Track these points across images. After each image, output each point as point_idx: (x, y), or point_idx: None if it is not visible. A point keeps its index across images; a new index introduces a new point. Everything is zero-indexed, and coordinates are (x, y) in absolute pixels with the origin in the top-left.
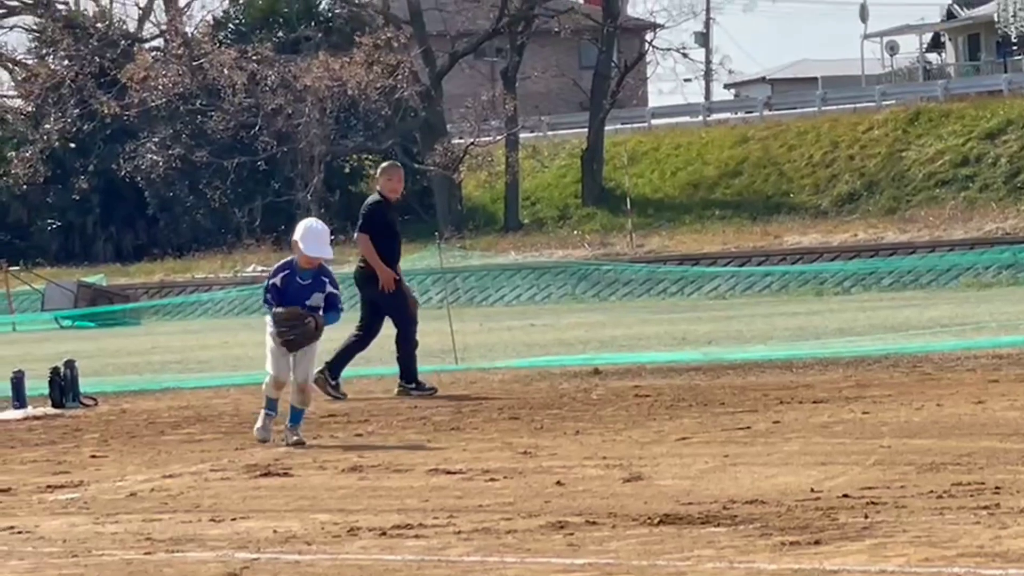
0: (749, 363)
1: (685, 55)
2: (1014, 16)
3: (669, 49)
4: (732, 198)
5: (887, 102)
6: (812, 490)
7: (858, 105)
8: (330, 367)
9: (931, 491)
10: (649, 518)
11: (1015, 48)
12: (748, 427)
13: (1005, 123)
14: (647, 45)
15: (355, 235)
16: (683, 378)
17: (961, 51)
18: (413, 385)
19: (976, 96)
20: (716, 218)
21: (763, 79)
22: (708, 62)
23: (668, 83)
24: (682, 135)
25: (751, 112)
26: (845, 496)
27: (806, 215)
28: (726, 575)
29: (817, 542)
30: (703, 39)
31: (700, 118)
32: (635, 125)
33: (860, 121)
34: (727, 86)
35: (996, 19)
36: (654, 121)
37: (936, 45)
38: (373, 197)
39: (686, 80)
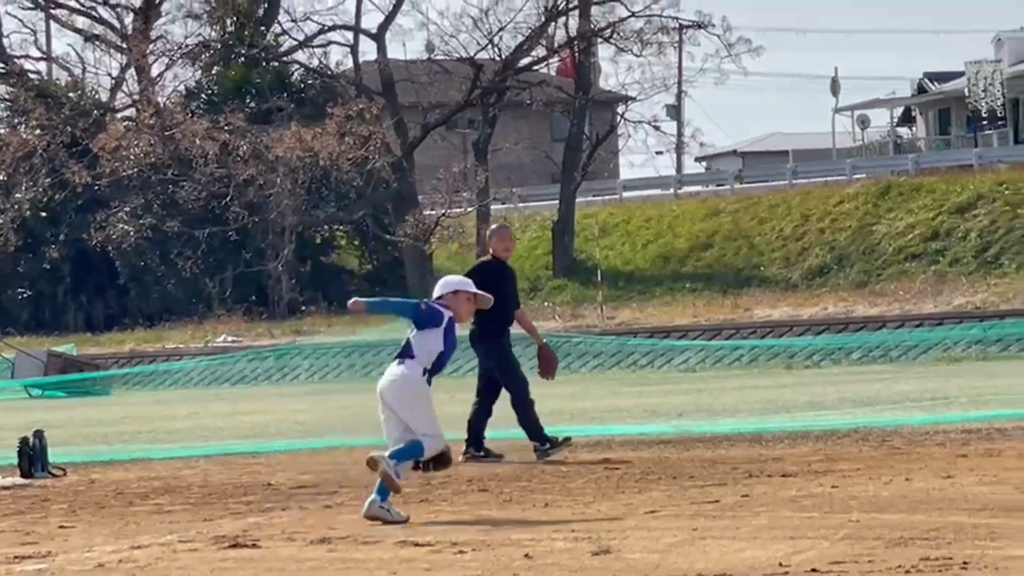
0: (718, 436)
1: (657, 128)
2: (984, 91)
3: (641, 122)
4: (703, 271)
5: (858, 175)
6: (780, 564)
7: (829, 178)
8: (469, 442)
9: (899, 566)
10: None
11: (985, 123)
12: (717, 500)
13: (975, 197)
14: (619, 118)
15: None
16: (652, 451)
17: (932, 125)
18: (547, 445)
19: (946, 170)
20: (687, 291)
21: (734, 152)
22: (679, 135)
23: (639, 155)
24: (653, 208)
25: (722, 185)
26: (813, 570)
27: (776, 288)
28: None
29: None
30: (675, 112)
31: (671, 191)
32: (606, 197)
33: (831, 194)
34: (698, 159)
35: (967, 94)
36: (625, 193)
37: (907, 119)
38: (484, 258)
39: (657, 153)
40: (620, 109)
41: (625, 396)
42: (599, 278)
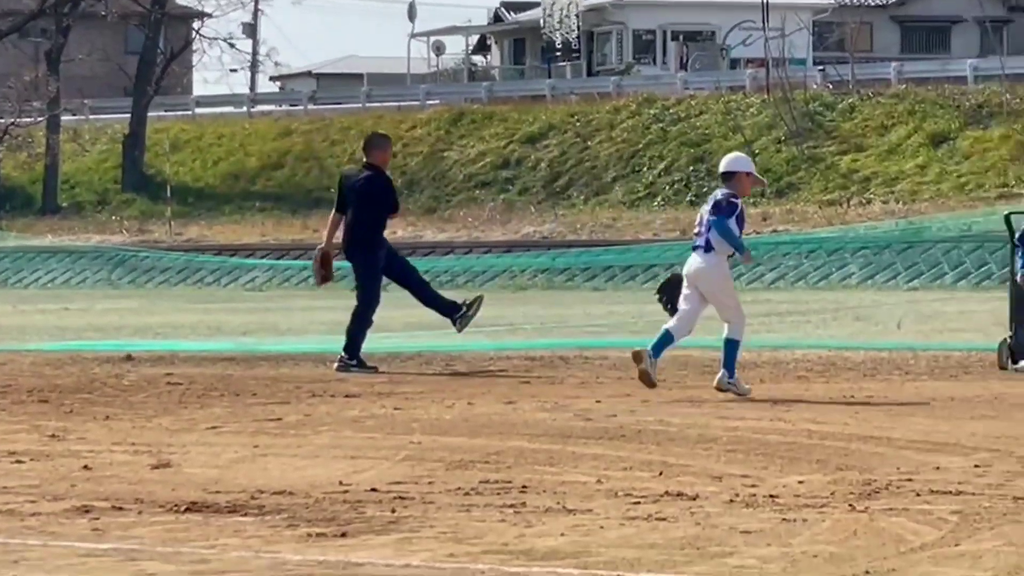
0: (283, 355)
1: (232, 45)
2: (560, 23)
3: (216, 38)
4: (273, 190)
5: (431, 102)
6: (340, 483)
7: (403, 104)
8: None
9: (459, 488)
10: (176, 505)
11: (559, 55)
12: (279, 418)
13: (547, 128)
14: (194, 33)
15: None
16: (216, 367)
17: (507, 55)
18: (355, 362)
19: (520, 100)
20: (256, 210)
21: (309, 73)
22: (255, 53)
23: (214, 72)
24: (226, 125)
25: (296, 105)
26: (373, 490)
27: None
28: (251, 564)
29: (343, 535)
30: (251, 30)
31: (244, 109)
32: (179, 113)
33: (404, 119)
34: (273, 78)
35: (542, 25)
36: (198, 110)
37: (482, 47)
38: (357, 167)
39: (232, 70)
40: (196, 25)
41: (190, 312)
42: (168, 194)
